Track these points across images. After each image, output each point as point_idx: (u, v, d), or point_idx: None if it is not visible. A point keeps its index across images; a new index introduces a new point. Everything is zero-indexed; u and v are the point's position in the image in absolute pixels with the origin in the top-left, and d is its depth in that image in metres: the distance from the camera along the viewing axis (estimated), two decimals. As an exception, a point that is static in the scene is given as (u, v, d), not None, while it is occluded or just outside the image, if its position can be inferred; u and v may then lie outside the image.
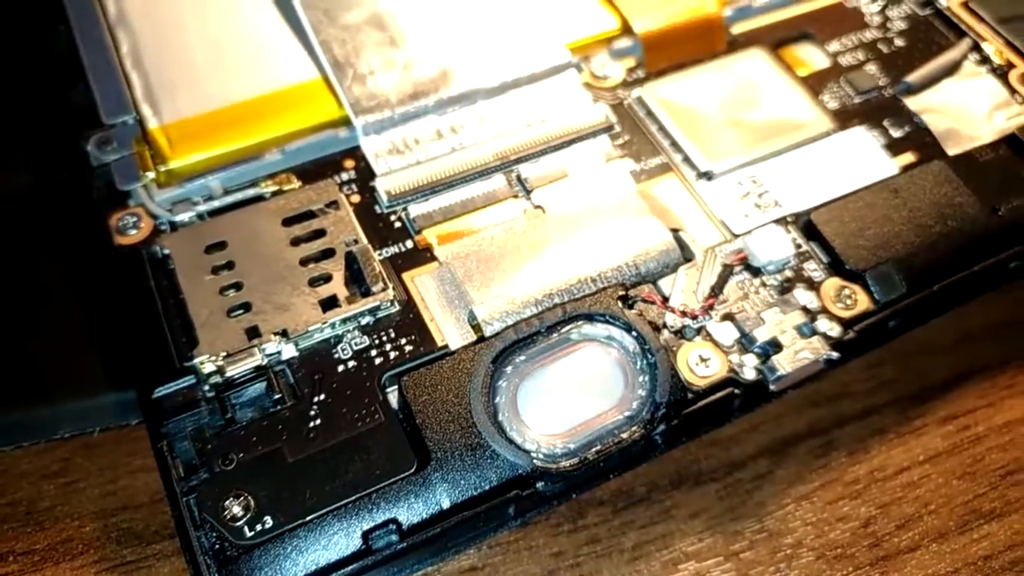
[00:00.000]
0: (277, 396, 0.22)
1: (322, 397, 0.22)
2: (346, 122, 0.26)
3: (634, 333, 0.23)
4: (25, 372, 0.24)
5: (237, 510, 0.20)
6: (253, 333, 0.22)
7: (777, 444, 0.27)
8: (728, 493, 0.26)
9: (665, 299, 0.24)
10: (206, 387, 0.22)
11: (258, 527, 0.20)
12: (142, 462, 0.24)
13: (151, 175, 0.25)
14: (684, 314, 0.24)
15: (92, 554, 0.23)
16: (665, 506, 0.25)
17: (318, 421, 0.21)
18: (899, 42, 0.31)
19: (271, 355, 0.22)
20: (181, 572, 0.23)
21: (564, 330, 0.23)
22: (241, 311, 0.23)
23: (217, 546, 0.20)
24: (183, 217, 0.25)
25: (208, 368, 0.22)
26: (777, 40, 0.31)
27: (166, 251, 0.24)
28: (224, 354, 0.22)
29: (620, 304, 0.23)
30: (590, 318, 0.23)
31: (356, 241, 0.24)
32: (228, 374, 0.22)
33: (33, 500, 0.24)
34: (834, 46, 0.31)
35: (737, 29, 0.31)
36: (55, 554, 0.23)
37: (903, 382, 0.28)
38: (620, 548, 0.25)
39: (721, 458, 0.26)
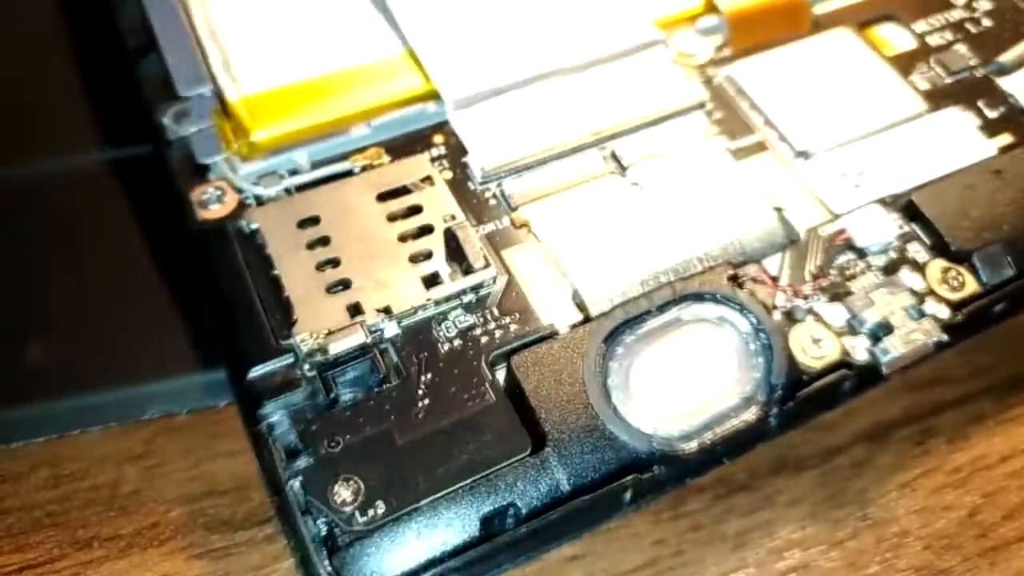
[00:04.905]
0: (382, 375, 0.21)
1: (428, 376, 0.21)
2: (434, 96, 0.26)
3: (748, 314, 0.22)
4: (112, 352, 0.23)
5: (346, 495, 0.19)
6: (355, 310, 0.21)
7: (874, 430, 0.26)
8: (828, 480, 0.25)
9: (775, 279, 0.23)
10: (306, 366, 0.21)
11: (370, 512, 0.19)
12: (225, 447, 0.24)
13: (234, 146, 0.24)
14: (796, 294, 0.23)
15: (180, 540, 0.22)
16: (766, 493, 0.25)
17: (426, 401, 0.21)
18: (986, 22, 0.30)
19: (375, 332, 0.21)
20: (272, 559, 0.22)
21: (675, 310, 0.22)
22: (341, 287, 0.22)
23: (326, 532, 0.19)
24: (270, 191, 0.24)
25: (309, 346, 0.21)
26: (861, 21, 0.30)
27: (254, 226, 0.23)
28: (326, 332, 0.21)
29: (731, 284, 0.22)
30: (700, 298, 0.22)
31: (454, 217, 0.23)
32: (331, 352, 0.21)
33: (116, 484, 0.23)
34: (920, 26, 0.30)
35: (819, 10, 0.30)
36: (142, 539, 0.22)
37: (1001, 368, 0.27)
38: (722, 536, 0.24)
39: (819, 444, 0.26)
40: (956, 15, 0.30)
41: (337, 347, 0.21)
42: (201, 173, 0.24)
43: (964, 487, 0.25)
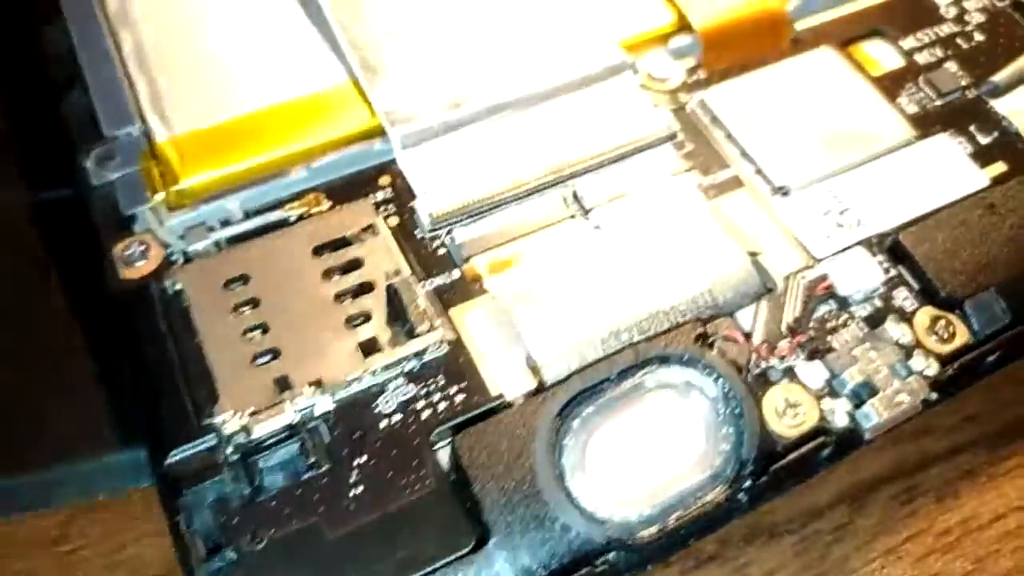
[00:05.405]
0: (312, 460, 0.19)
1: (363, 459, 0.19)
2: (380, 133, 0.23)
3: (717, 378, 0.20)
4: (17, 431, 0.21)
5: (271, 598, 0.17)
6: (283, 384, 0.20)
7: (857, 489, 0.24)
8: (806, 547, 0.23)
9: (747, 335, 0.21)
10: (229, 449, 0.19)
11: (296, 618, 0.17)
12: (151, 527, 0.22)
13: (160, 196, 0.22)
14: (772, 353, 0.21)
15: (98, 637, 0.20)
16: (738, 564, 0.23)
17: (359, 489, 0.19)
18: (979, 36, 0.28)
19: (303, 410, 0.19)
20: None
21: (637, 376, 0.20)
22: (268, 357, 0.20)
23: (249, 639, 0.17)
24: (197, 246, 0.22)
25: (232, 427, 0.19)
26: (845, 38, 0.28)
27: (179, 286, 0.21)
28: (250, 411, 0.19)
29: (699, 344, 0.20)
30: (666, 361, 0.20)
31: (397, 272, 0.21)
32: (255, 434, 0.19)
33: (30, 573, 0.21)
34: (908, 43, 0.28)
35: (801, 26, 0.28)
36: (56, 637, 0.20)
37: (990, 417, 0.26)
38: (692, 614, 0.22)
39: (796, 507, 0.24)
40: (946, 29, 0.28)
41: (262, 429, 0.19)
42: (125, 224, 0.22)
43: (953, 552, 0.23)
